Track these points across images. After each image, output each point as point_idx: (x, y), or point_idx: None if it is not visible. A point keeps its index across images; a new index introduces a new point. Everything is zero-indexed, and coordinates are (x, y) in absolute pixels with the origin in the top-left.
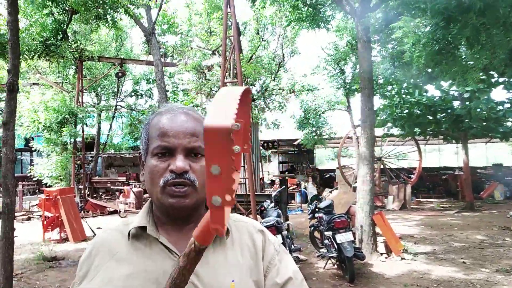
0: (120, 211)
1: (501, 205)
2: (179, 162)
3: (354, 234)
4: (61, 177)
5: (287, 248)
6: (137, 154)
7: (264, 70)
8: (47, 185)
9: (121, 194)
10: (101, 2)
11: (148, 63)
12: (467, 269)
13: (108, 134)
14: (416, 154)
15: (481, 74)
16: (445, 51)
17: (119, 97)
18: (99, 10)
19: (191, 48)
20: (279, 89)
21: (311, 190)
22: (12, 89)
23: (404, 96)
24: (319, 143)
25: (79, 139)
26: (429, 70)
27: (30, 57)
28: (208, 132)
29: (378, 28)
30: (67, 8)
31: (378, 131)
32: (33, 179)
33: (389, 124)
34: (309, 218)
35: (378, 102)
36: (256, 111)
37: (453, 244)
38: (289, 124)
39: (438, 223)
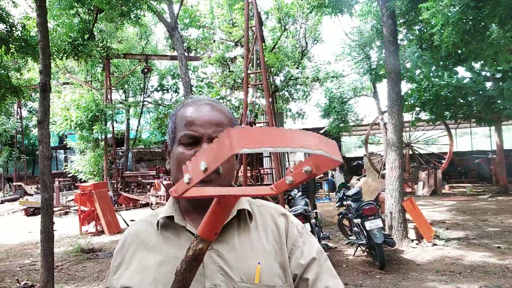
0: (151, 204)
1: None
2: None
3: (383, 221)
4: (95, 173)
5: (316, 236)
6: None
7: (288, 59)
8: (82, 180)
9: (152, 187)
10: (124, 0)
11: (172, 58)
12: (502, 254)
13: (137, 130)
14: (446, 138)
15: None
16: (475, 31)
17: (145, 93)
18: (123, 8)
19: (214, 41)
20: (303, 77)
21: (339, 179)
22: (45, 89)
23: (432, 79)
24: (344, 130)
25: (109, 135)
26: (459, 51)
27: (60, 58)
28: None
29: (404, 10)
30: (92, 8)
31: (406, 116)
32: (69, 175)
33: (418, 109)
34: (337, 206)
35: (405, 86)
36: (280, 101)
37: (487, 229)
38: (314, 113)
39: (471, 208)
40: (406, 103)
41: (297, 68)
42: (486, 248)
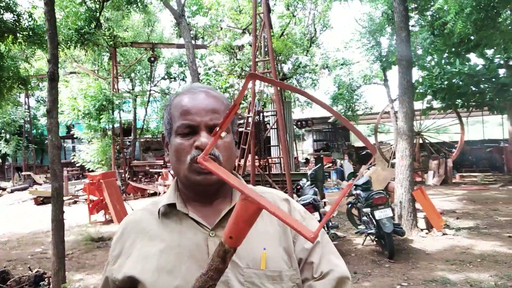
0: (159, 193)
1: None
2: (204, 138)
3: (393, 210)
4: (103, 162)
5: (325, 225)
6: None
7: (296, 46)
8: (90, 170)
9: (160, 177)
10: None
11: (179, 46)
12: None
13: (144, 119)
14: (457, 127)
15: None
16: (487, 18)
17: (152, 82)
18: None
19: (221, 28)
20: (312, 65)
21: (347, 168)
22: (53, 78)
23: (444, 66)
24: (352, 119)
25: (117, 125)
26: (471, 37)
27: (67, 47)
28: None
29: None
30: None
31: (417, 105)
32: (77, 164)
33: (429, 97)
34: (346, 195)
35: (416, 74)
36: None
37: (498, 218)
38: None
39: (482, 198)
40: (417, 91)
41: (305, 55)
42: (496, 237)
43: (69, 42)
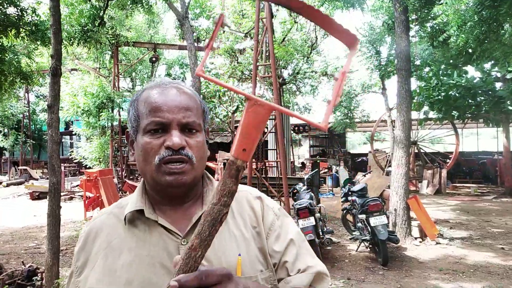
0: None
1: None
2: (176, 138)
3: (388, 217)
4: (100, 159)
5: (320, 230)
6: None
7: (297, 52)
8: (87, 167)
9: None
10: None
11: (181, 47)
12: (506, 255)
13: None
14: (452, 138)
15: None
16: (489, 31)
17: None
18: None
19: (224, 32)
20: (312, 71)
21: (343, 174)
22: (56, 73)
23: (442, 78)
24: (349, 127)
25: (115, 123)
26: (470, 50)
27: (70, 44)
28: None
29: (418, 7)
30: None
31: (414, 114)
32: (74, 161)
33: (426, 108)
34: (341, 201)
35: (414, 84)
36: (287, 95)
37: (491, 229)
38: (320, 107)
39: (475, 209)
40: (414, 101)
41: (306, 62)
42: (489, 248)
43: (72, 39)
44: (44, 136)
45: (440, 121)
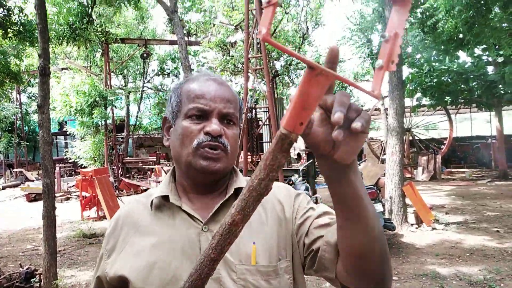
0: None
1: None
2: (215, 125)
3: (383, 205)
4: (95, 158)
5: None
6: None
7: (288, 43)
8: (83, 166)
9: (153, 173)
10: None
11: (172, 42)
12: (501, 238)
13: (137, 116)
14: (446, 123)
15: None
16: (478, 15)
17: (145, 78)
18: None
19: (214, 25)
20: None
21: None
22: (44, 73)
23: (433, 64)
24: None
25: (109, 121)
26: (460, 35)
27: (59, 43)
28: None
29: None
30: None
31: (407, 102)
32: (69, 161)
33: (419, 94)
34: None
35: (406, 71)
36: (280, 86)
37: (486, 213)
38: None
39: (470, 193)
40: (407, 88)
41: (298, 52)
42: (485, 232)
43: (61, 38)
44: (38, 137)
45: (433, 107)
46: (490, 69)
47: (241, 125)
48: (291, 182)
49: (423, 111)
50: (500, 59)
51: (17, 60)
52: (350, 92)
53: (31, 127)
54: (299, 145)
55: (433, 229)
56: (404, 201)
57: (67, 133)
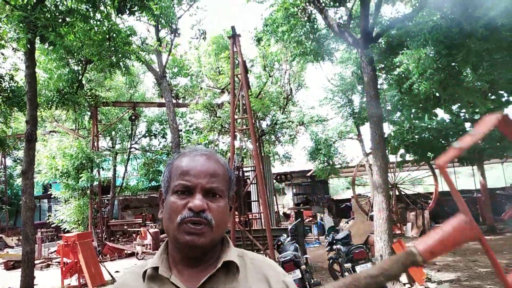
0: (137, 253)
1: None
2: (197, 201)
3: (374, 264)
4: (79, 222)
5: (307, 282)
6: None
7: (273, 104)
8: (66, 230)
9: (138, 236)
10: (113, 50)
11: (160, 105)
12: None
13: (123, 177)
14: (431, 178)
15: (489, 94)
16: (450, 76)
17: (133, 140)
18: (112, 58)
19: (201, 88)
20: (289, 121)
21: (328, 221)
22: (31, 139)
23: (413, 121)
24: (332, 173)
25: (96, 183)
26: (437, 94)
27: (48, 107)
28: None
29: (382, 57)
30: (82, 59)
31: (391, 158)
32: (52, 225)
33: (402, 151)
34: (327, 251)
35: (388, 128)
36: (267, 145)
37: (478, 269)
38: (300, 156)
39: (461, 249)
40: (390, 144)
41: (282, 113)
42: None
43: (49, 102)
44: (20, 202)
45: (417, 163)
46: (468, 125)
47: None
48: (279, 242)
49: (407, 166)
50: (476, 117)
51: (4, 126)
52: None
53: (14, 191)
54: (288, 203)
55: None
56: None
57: (51, 196)
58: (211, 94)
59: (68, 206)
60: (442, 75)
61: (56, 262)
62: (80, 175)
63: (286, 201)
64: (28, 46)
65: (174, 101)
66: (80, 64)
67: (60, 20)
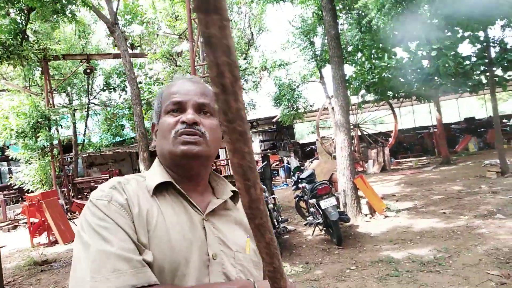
0: None
1: (475, 156)
2: (190, 115)
3: (337, 199)
4: (43, 182)
5: (274, 220)
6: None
7: (234, 50)
8: (30, 191)
9: None
10: None
11: (116, 56)
12: (448, 219)
13: (84, 134)
14: (391, 117)
15: (445, 31)
16: (409, 11)
17: (91, 94)
18: (56, 4)
19: (158, 36)
20: (252, 67)
21: (294, 164)
22: None
23: (374, 61)
24: (297, 117)
25: (55, 142)
26: (395, 32)
27: None
28: None
29: None
30: (23, 7)
31: (353, 99)
32: (14, 187)
33: (363, 91)
34: (293, 190)
35: (349, 70)
36: None
37: (433, 197)
38: (265, 102)
39: (418, 180)
40: (352, 85)
41: (244, 59)
42: (433, 214)
43: None
44: None
45: (377, 102)
46: (425, 62)
47: None
48: None
49: (368, 107)
50: (433, 53)
51: None
52: (299, 92)
53: None
54: (256, 150)
55: (386, 217)
56: (356, 193)
57: (10, 158)
58: (169, 42)
59: (29, 166)
60: (400, 8)
61: (23, 223)
62: (37, 134)
63: (253, 149)
64: None
65: (130, 51)
66: (22, 14)
67: None
